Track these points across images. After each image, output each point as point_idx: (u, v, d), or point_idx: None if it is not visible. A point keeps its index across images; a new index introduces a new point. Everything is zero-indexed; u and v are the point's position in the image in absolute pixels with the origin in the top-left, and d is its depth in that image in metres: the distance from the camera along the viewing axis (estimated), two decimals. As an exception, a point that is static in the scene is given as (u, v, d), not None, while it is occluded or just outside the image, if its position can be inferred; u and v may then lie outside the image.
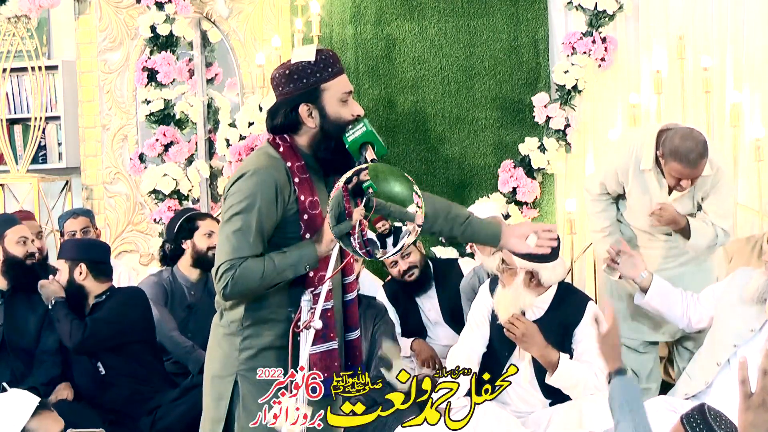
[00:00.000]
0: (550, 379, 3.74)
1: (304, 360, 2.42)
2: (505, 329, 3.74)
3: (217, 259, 2.67)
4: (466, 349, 3.91)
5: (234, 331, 2.74)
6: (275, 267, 2.60)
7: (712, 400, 3.58)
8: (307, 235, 2.66)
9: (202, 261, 4.62)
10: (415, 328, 4.78)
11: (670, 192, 3.97)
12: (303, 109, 2.68)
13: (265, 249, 2.65)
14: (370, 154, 2.61)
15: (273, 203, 2.64)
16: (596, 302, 5.12)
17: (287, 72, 2.69)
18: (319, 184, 2.74)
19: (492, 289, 3.95)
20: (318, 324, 2.46)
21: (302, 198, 2.67)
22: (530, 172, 5.57)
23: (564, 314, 3.84)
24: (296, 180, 2.67)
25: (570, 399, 3.79)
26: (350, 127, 2.66)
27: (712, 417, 2.13)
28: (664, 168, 3.87)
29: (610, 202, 4.26)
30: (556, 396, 3.81)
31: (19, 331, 4.27)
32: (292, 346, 2.54)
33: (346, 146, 2.64)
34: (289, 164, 2.68)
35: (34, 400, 2.88)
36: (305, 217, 2.67)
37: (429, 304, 4.77)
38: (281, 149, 2.70)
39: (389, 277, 5.00)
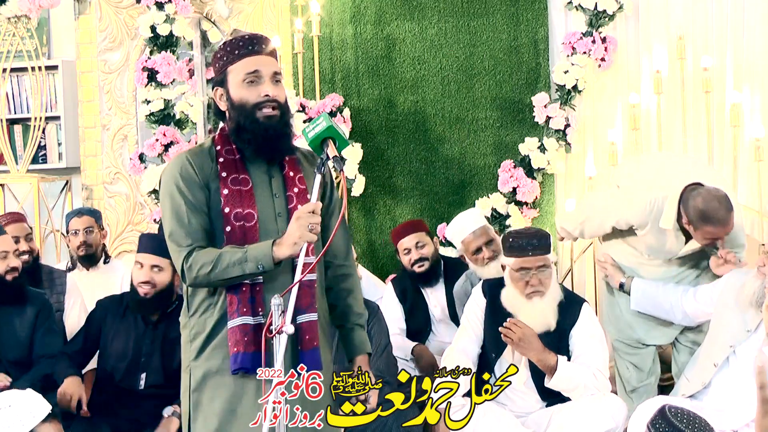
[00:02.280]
0: (549, 383, 3.73)
1: (279, 364, 2.41)
2: (502, 334, 3.73)
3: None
4: (460, 349, 3.90)
5: (185, 323, 2.78)
6: (226, 260, 2.59)
7: (710, 401, 3.59)
8: (227, 209, 2.67)
9: None
10: (421, 323, 4.78)
11: (686, 242, 4.00)
12: (216, 93, 2.75)
13: (206, 223, 2.68)
14: (332, 150, 2.60)
15: (192, 180, 2.68)
16: (595, 303, 5.15)
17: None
18: (256, 168, 2.74)
19: (486, 291, 3.94)
20: (290, 329, 2.45)
21: (223, 174, 2.70)
22: (530, 172, 5.57)
23: (560, 317, 3.82)
24: (220, 159, 2.72)
25: (566, 400, 3.79)
26: (310, 123, 2.66)
27: (672, 415, 2.16)
28: (694, 233, 3.86)
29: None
30: (552, 397, 3.81)
31: (9, 344, 4.12)
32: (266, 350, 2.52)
33: (308, 143, 2.63)
34: (218, 147, 2.74)
35: (47, 407, 2.88)
36: (225, 192, 2.68)
37: (435, 300, 4.78)
38: (216, 136, 2.77)
39: (393, 275, 5.01)
